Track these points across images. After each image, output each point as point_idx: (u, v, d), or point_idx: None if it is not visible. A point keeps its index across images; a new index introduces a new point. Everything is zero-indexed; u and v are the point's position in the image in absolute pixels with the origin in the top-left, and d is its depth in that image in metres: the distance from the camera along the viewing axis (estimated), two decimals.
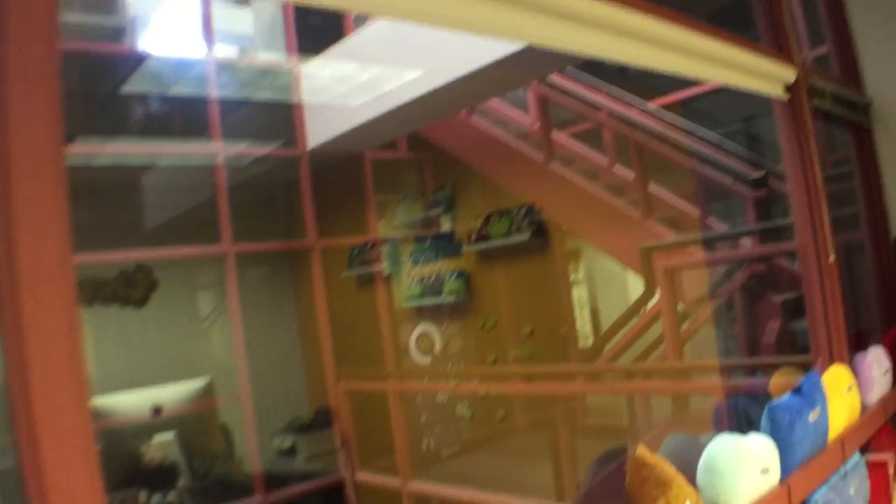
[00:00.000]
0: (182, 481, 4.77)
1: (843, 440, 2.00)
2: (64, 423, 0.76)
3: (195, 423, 5.27)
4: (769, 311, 4.15)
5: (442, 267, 6.21)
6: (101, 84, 4.87)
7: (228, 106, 5.33)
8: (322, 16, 5.65)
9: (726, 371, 4.07)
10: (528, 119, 5.82)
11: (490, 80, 4.38)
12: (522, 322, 5.74)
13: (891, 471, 2.34)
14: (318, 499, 5.20)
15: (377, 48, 4.66)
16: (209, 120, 5.16)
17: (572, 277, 6.18)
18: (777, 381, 2.24)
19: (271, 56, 5.81)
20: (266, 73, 5.53)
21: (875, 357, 2.40)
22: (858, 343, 2.50)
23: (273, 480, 4.92)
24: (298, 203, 5.72)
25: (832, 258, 2.23)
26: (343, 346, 5.73)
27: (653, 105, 5.22)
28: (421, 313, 6.47)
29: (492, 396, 5.88)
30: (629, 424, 4.69)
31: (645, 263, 4.53)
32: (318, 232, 5.61)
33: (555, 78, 5.39)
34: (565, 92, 5.37)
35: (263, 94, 5.58)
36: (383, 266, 6.44)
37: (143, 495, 4.51)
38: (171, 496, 4.57)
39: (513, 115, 5.96)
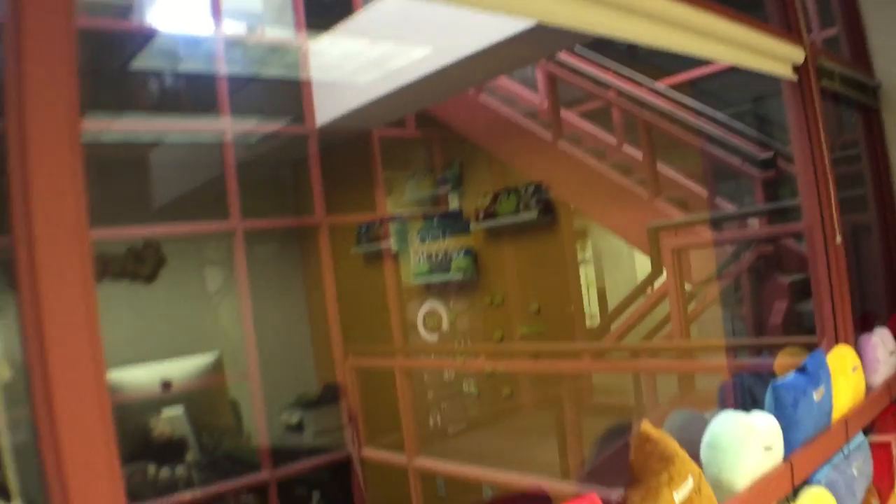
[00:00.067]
0: (190, 455, 4.82)
1: (846, 420, 2.02)
2: (82, 397, 0.77)
3: (204, 398, 5.32)
4: (776, 291, 4.15)
5: (450, 244, 6.23)
6: (110, 60, 4.88)
7: (237, 83, 5.33)
8: None
9: (732, 351, 4.09)
10: (537, 98, 5.81)
11: (499, 58, 4.36)
12: (529, 300, 5.76)
13: (894, 452, 2.35)
14: (325, 474, 5.24)
15: (386, 25, 4.65)
16: (218, 97, 5.16)
17: (580, 256, 6.19)
18: (782, 360, 2.26)
19: (280, 32, 5.80)
20: (275, 50, 5.52)
21: (881, 338, 2.41)
22: (864, 325, 2.51)
23: (280, 455, 4.96)
24: (307, 180, 5.73)
25: (839, 239, 2.23)
26: (351, 322, 5.76)
27: (661, 85, 5.20)
28: (428, 290, 6.50)
29: (498, 374, 5.91)
30: (635, 403, 4.71)
31: (652, 243, 4.54)
32: (327, 209, 5.63)
33: (564, 56, 5.37)
34: (574, 70, 5.35)
35: (272, 71, 5.57)
36: (391, 243, 6.45)
37: (151, 469, 4.56)
38: (180, 470, 4.61)
39: (521, 93, 5.95)
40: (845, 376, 2.08)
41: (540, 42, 4.25)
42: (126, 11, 5.22)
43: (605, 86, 5.24)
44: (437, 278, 6.32)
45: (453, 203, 6.45)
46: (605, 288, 6.65)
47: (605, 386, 5.29)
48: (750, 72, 2.04)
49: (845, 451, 2.02)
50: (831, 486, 1.86)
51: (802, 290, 3.93)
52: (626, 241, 5.23)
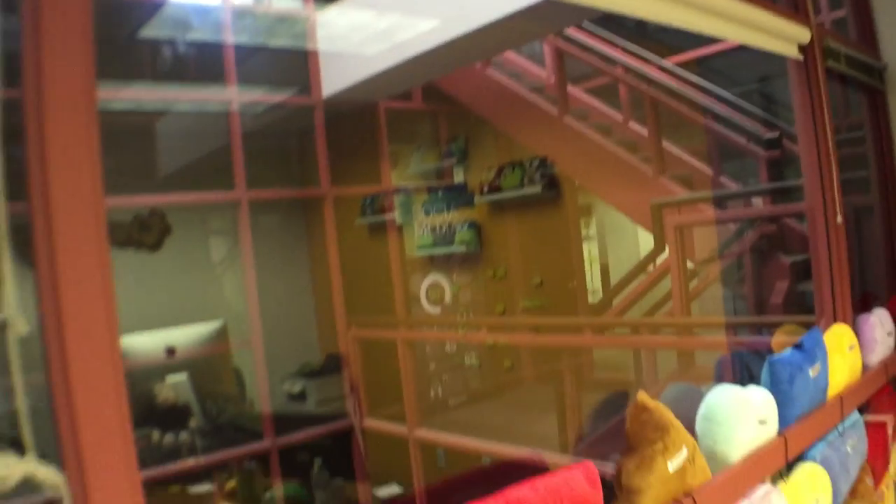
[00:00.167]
0: (194, 422, 4.86)
1: (842, 398, 2.04)
2: (97, 362, 0.79)
3: (208, 366, 5.36)
4: (778, 271, 4.18)
5: (454, 217, 6.25)
6: (118, 29, 4.87)
7: (244, 52, 5.32)
8: None
9: (732, 328, 4.12)
10: (544, 73, 5.80)
11: (507, 33, 4.35)
12: (532, 274, 5.79)
13: (890, 431, 2.38)
14: (327, 443, 5.29)
15: None
16: (225, 66, 5.16)
17: (584, 233, 6.21)
18: (779, 338, 2.28)
19: (287, 3, 5.78)
20: (282, 20, 5.50)
21: (879, 318, 2.43)
22: (864, 305, 2.53)
23: (283, 424, 5.01)
24: (312, 151, 5.74)
25: (840, 219, 2.25)
26: (354, 293, 5.79)
27: (669, 62, 5.19)
28: (432, 263, 6.53)
29: (500, 346, 5.95)
30: (635, 379, 4.75)
31: (655, 220, 4.56)
32: (332, 180, 5.64)
33: (572, 32, 5.36)
34: (582, 46, 5.34)
35: (279, 42, 5.55)
36: (395, 215, 6.48)
37: (155, 434, 4.61)
38: (183, 436, 4.66)
39: (529, 68, 5.94)
40: (841, 354, 2.10)
41: (549, 17, 4.23)
42: None
43: (613, 62, 5.24)
44: (441, 251, 6.35)
45: (458, 176, 6.47)
46: (608, 264, 6.67)
47: (605, 361, 5.32)
48: (758, 51, 2.05)
49: (840, 429, 2.05)
50: (825, 463, 1.89)
51: (804, 271, 3.95)
52: (629, 218, 5.25)
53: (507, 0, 3.91)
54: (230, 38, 5.16)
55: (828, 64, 2.27)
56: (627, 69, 5.14)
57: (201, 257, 6.87)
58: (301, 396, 6.21)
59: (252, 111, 5.61)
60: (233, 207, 5.21)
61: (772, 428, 1.70)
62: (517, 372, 5.99)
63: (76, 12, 0.80)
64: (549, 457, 4.05)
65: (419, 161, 6.78)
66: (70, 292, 0.77)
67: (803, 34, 2.13)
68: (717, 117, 4.74)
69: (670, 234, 4.41)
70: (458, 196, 6.29)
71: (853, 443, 2.08)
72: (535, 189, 5.48)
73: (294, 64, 5.65)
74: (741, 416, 1.57)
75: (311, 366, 6.42)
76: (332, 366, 6.05)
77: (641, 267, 4.97)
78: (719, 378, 2.08)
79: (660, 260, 4.70)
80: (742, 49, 2.11)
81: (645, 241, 5.75)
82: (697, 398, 1.62)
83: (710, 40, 5.08)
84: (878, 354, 2.39)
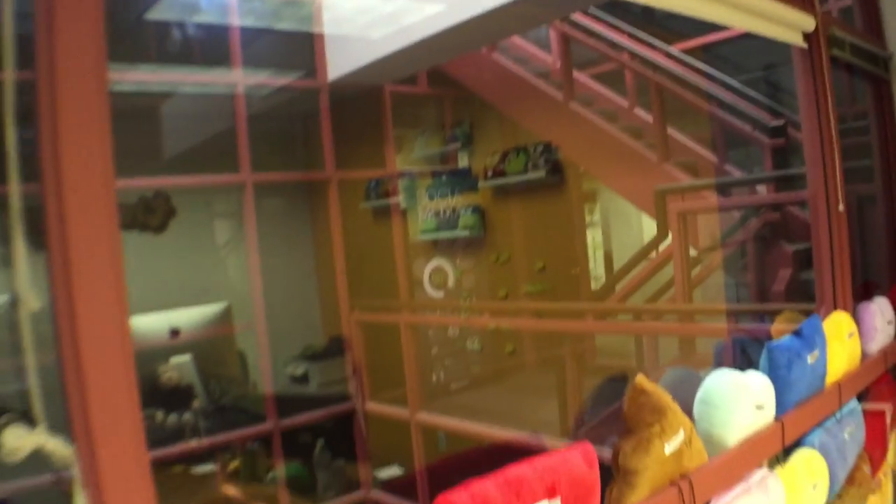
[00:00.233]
0: (197, 403, 4.90)
1: (840, 385, 2.06)
2: (107, 341, 0.81)
3: (211, 348, 5.39)
4: (781, 259, 4.19)
5: (458, 201, 6.27)
6: (124, 11, 4.87)
7: (250, 35, 5.32)
8: None
9: (733, 315, 4.13)
10: (550, 58, 5.79)
11: (513, 17, 4.35)
12: (535, 258, 5.81)
13: (888, 420, 2.39)
14: (329, 426, 5.33)
15: None
16: (230, 49, 5.16)
17: (588, 219, 6.22)
18: (779, 325, 2.30)
19: None
20: (288, 3, 5.49)
21: (879, 307, 2.44)
22: (865, 294, 2.54)
23: (285, 406, 5.04)
24: (317, 134, 5.74)
25: (841, 207, 2.26)
26: (357, 277, 5.81)
27: (675, 49, 5.18)
28: (436, 247, 6.55)
29: (502, 331, 5.98)
30: (637, 365, 4.77)
31: (658, 206, 4.57)
32: (336, 163, 5.64)
33: (578, 17, 5.35)
34: (588, 32, 5.33)
35: (285, 24, 5.54)
36: (400, 199, 6.49)
37: (159, 415, 4.65)
38: (187, 416, 4.70)
39: (535, 53, 5.94)
40: (841, 342, 2.12)
41: (555, 2, 4.23)
42: None
43: (619, 48, 5.23)
44: (445, 235, 6.37)
45: (462, 161, 6.47)
46: (612, 250, 6.68)
47: (608, 347, 5.35)
48: (764, 38, 2.05)
49: (838, 416, 2.07)
50: (823, 450, 1.91)
51: (807, 259, 3.96)
52: (633, 204, 5.25)
53: None
54: (236, 20, 5.16)
55: (832, 52, 2.28)
56: (633, 55, 5.13)
57: (206, 240, 6.89)
58: (304, 379, 6.25)
59: (257, 94, 5.62)
60: (237, 190, 5.22)
61: (769, 413, 1.72)
62: (519, 356, 6.02)
63: None
64: (550, 442, 4.08)
65: (424, 145, 6.79)
66: (82, 270, 0.79)
67: (808, 22, 2.14)
68: (722, 105, 4.74)
69: (673, 221, 4.42)
70: (463, 180, 6.31)
71: (851, 430, 2.10)
72: (539, 174, 5.49)
73: (300, 47, 5.64)
74: (738, 400, 1.59)
75: (314, 348, 6.45)
76: (334, 349, 6.08)
77: (644, 254, 4.98)
78: (718, 363, 2.10)
79: (663, 247, 4.71)
80: (748, 36, 2.12)
81: (649, 227, 5.76)
82: (696, 383, 1.64)
83: (717, 27, 5.07)
84: (878, 343, 2.40)
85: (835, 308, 2.26)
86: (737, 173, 4.86)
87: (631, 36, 5.21)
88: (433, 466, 4.82)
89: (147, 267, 5.30)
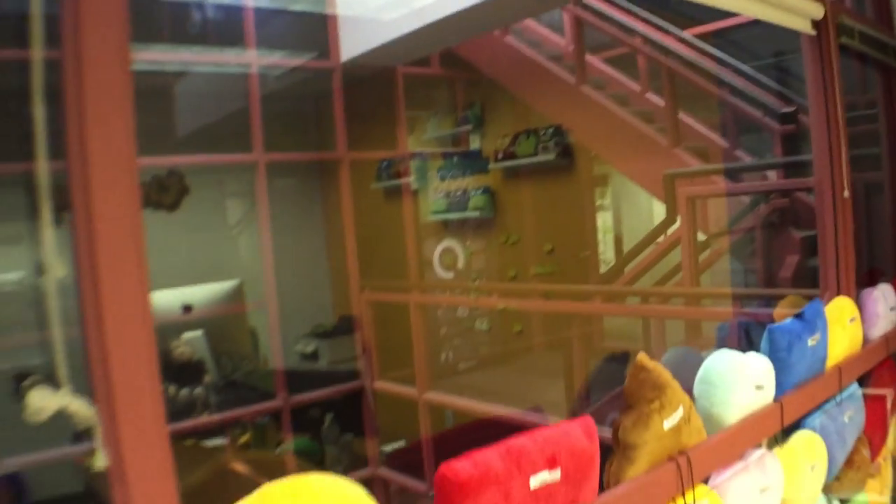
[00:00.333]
0: (208, 378, 4.96)
1: (840, 368, 2.09)
2: (129, 313, 0.84)
3: (223, 324, 5.45)
4: (789, 245, 4.20)
5: (468, 183, 6.30)
6: None
7: (264, 16, 5.33)
8: None
9: (738, 300, 4.15)
10: (563, 41, 5.79)
11: (527, 0, 4.36)
12: (544, 240, 5.84)
13: (889, 405, 2.42)
14: (338, 403, 5.38)
15: None
16: (244, 29, 5.18)
17: (598, 203, 6.24)
18: (782, 310, 2.32)
19: None
20: None
21: (882, 293, 2.46)
22: (871, 281, 2.56)
23: (295, 383, 5.09)
24: (330, 115, 5.77)
25: (847, 193, 2.28)
26: (368, 256, 5.84)
27: (688, 33, 5.17)
28: (446, 228, 6.58)
29: (510, 311, 6.01)
30: (643, 347, 4.79)
31: (668, 190, 4.58)
32: (348, 144, 5.67)
33: (592, 0, 5.34)
34: (602, 15, 5.33)
35: (299, 6, 5.56)
36: (411, 180, 6.52)
37: (172, 389, 4.71)
38: (198, 391, 4.76)
39: (548, 36, 5.93)
40: (842, 326, 2.15)
41: None
42: None
43: (632, 32, 5.22)
44: (455, 216, 6.40)
45: (474, 143, 6.50)
46: (622, 234, 6.69)
47: (615, 329, 5.37)
48: (777, 25, 2.07)
49: (838, 399, 2.10)
50: (822, 432, 1.94)
51: (815, 246, 3.96)
52: (642, 188, 5.27)
53: None
54: (251, 1, 5.18)
55: (841, 41, 2.29)
56: (646, 40, 5.13)
57: (218, 218, 6.94)
58: (313, 356, 6.31)
59: (271, 74, 5.64)
60: (250, 169, 5.25)
61: (768, 394, 1.75)
62: (527, 338, 6.06)
63: None
64: (554, 421, 4.11)
65: (435, 127, 6.81)
66: (107, 241, 0.82)
67: (817, 10, 2.15)
68: (733, 90, 4.73)
69: (682, 205, 4.44)
70: (473, 162, 6.33)
71: (850, 413, 2.13)
72: (549, 157, 5.52)
73: (313, 28, 5.65)
74: (738, 380, 1.63)
75: (324, 327, 6.51)
76: (344, 327, 6.13)
77: (652, 237, 5.00)
78: (721, 344, 2.13)
79: (671, 231, 4.72)
80: (761, 22, 2.14)
81: (659, 212, 5.77)
82: (697, 362, 1.68)
83: (730, 13, 5.06)
84: (880, 329, 2.43)
85: (838, 293, 2.28)
86: (748, 159, 4.86)
87: (644, 20, 5.20)
88: (436, 436, 4.88)
89: (160, 244, 5.33)
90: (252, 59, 5.15)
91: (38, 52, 0.84)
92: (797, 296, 2.44)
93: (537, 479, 1.13)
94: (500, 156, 5.91)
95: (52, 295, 0.84)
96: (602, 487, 1.31)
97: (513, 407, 4.39)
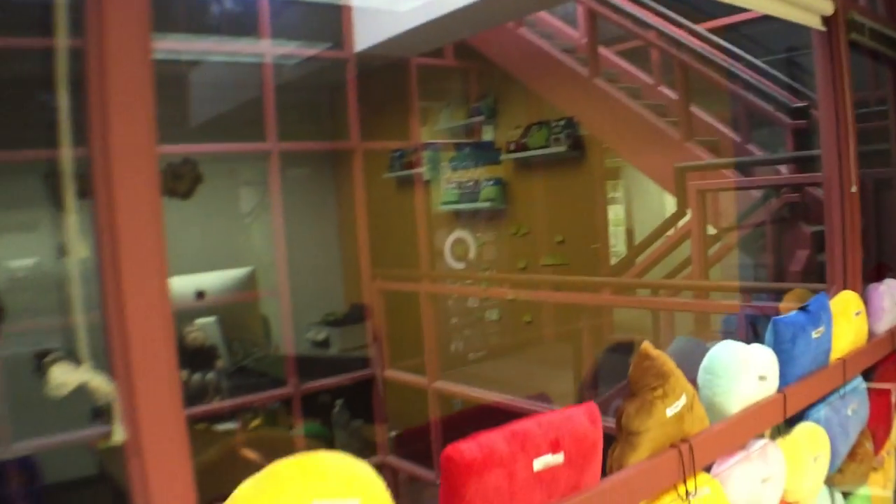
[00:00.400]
0: (220, 363, 4.99)
1: (844, 361, 2.10)
2: (149, 297, 0.88)
3: (236, 311, 5.48)
4: (799, 240, 4.21)
5: (480, 174, 6.32)
6: None
7: (278, 6, 5.35)
8: None
9: (746, 293, 4.16)
10: (576, 34, 5.80)
11: None
12: (555, 232, 5.86)
13: (893, 399, 2.43)
14: (348, 391, 5.40)
15: None
16: (259, 19, 5.20)
17: (609, 195, 6.25)
18: (787, 303, 2.34)
19: None
20: None
21: (888, 288, 2.47)
22: (878, 275, 2.57)
23: (306, 370, 5.12)
24: (343, 105, 5.79)
25: (854, 188, 2.29)
26: (380, 246, 5.87)
27: (702, 27, 5.17)
28: (457, 218, 6.61)
29: (520, 301, 6.03)
30: (652, 339, 4.80)
31: (678, 183, 4.59)
32: (362, 134, 5.69)
33: None
34: (615, 8, 5.33)
35: None
36: (423, 170, 6.54)
37: (184, 374, 4.75)
38: (210, 376, 4.79)
39: (561, 28, 5.94)
40: (847, 319, 2.16)
41: None
42: None
43: (646, 25, 5.22)
44: (466, 206, 6.43)
45: (486, 134, 6.51)
46: (633, 227, 6.70)
47: (624, 321, 5.39)
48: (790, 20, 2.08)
49: (842, 392, 2.11)
50: (825, 424, 1.96)
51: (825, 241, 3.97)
52: (653, 181, 5.27)
53: None
54: None
55: (851, 37, 2.30)
56: (659, 33, 5.13)
57: (232, 206, 6.98)
58: (325, 344, 6.35)
59: (285, 64, 5.66)
60: (263, 158, 5.27)
61: (772, 384, 1.77)
62: (536, 328, 6.08)
63: None
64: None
65: (448, 118, 6.83)
66: (127, 223, 0.85)
67: (826, 6, 2.16)
68: (746, 84, 4.73)
69: (692, 198, 4.45)
70: (486, 153, 6.35)
71: (854, 406, 2.14)
72: (561, 148, 5.54)
73: (328, 18, 5.67)
74: (742, 370, 1.65)
75: (336, 315, 6.55)
76: (355, 316, 6.16)
77: (662, 230, 5.01)
78: (726, 335, 2.15)
79: (681, 224, 4.73)
80: (773, 17, 2.15)
81: (671, 205, 5.77)
82: (702, 352, 1.70)
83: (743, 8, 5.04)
84: (886, 323, 2.44)
85: (844, 287, 2.30)
86: (760, 154, 4.86)
87: (658, 13, 5.20)
88: (442, 420, 4.91)
89: (174, 231, 5.37)
90: (266, 48, 5.17)
91: (62, 41, 0.86)
92: (803, 289, 2.46)
93: (541, 462, 1.15)
94: (511, 147, 5.93)
95: (75, 275, 0.88)
96: (605, 473, 1.33)
97: (521, 397, 4.41)
